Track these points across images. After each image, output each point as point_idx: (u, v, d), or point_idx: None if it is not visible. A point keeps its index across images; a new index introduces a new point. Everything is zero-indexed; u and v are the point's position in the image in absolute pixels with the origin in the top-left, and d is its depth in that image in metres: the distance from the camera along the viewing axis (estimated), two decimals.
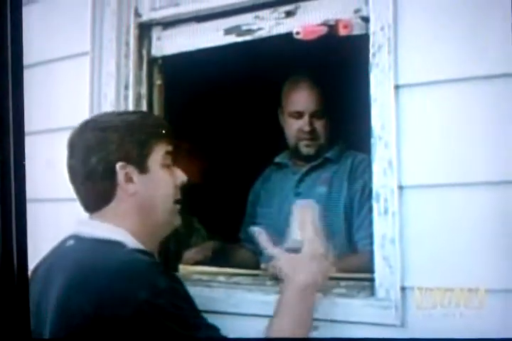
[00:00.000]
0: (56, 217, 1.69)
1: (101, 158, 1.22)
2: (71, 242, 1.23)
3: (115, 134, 1.23)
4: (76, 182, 1.25)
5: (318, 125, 1.77)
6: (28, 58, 1.71)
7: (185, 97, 1.89)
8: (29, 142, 1.68)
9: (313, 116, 1.76)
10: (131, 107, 1.67)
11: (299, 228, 1.23)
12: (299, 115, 1.77)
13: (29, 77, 1.70)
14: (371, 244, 1.34)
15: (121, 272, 1.11)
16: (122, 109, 1.67)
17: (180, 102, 1.78)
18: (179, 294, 1.14)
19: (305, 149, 1.78)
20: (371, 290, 1.33)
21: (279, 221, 1.70)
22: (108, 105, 1.67)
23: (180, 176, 1.29)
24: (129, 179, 1.22)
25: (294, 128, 1.78)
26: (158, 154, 1.26)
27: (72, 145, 1.27)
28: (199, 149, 1.96)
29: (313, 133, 1.76)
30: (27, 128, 1.68)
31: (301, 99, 1.77)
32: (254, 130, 2.16)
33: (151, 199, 1.25)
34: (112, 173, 1.21)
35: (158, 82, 1.71)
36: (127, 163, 1.22)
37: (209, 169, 1.96)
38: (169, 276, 1.16)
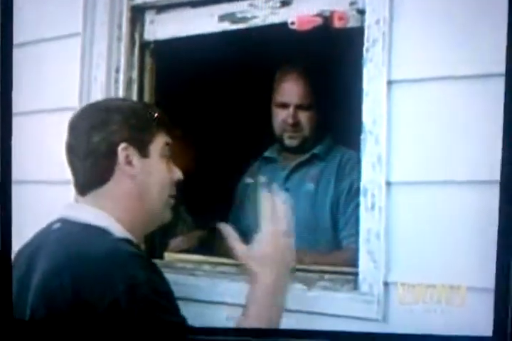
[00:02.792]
0: (42, 199, 1.68)
1: (104, 137, 1.21)
2: (58, 225, 1.23)
3: (120, 116, 1.23)
4: (74, 161, 1.25)
5: (304, 117, 1.74)
6: (18, 37, 1.68)
7: (176, 83, 1.87)
8: (17, 123, 1.67)
9: (298, 108, 1.73)
10: (121, 91, 1.66)
11: (263, 217, 1.20)
12: (284, 106, 1.75)
13: (20, 57, 1.68)
14: (356, 241, 1.34)
15: (103, 260, 1.10)
16: (113, 92, 1.66)
17: (171, 88, 1.76)
18: (157, 289, 1.13)
19: (288, 141, 1.76)
20: (355, 285, 1.35)
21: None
22: (98, 88, 1.66)
23: (177, 172, 1.29)
24: (128, 161, 1.22)
25: (279, 119, 1.75)
26: (159, 143, 1.26)
27: (74, 126, 1.26)
28: (188, 137, 1.95)
29: (297, 126, 1.74)
30: (15, 108, 1.66)
31: (287, 90, 1.75)
32: (245, 118, 2.14)
33: (147, 186, 1.24)
34: (113, 153, 1.21)
35: (149, 66, 1.69)
36: (129, 145, 1.22)
37: (198, 157, 1.96)
38: (150, 269, 1.16)
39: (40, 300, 1.15)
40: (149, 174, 1.24)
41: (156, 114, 1.30)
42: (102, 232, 1.17)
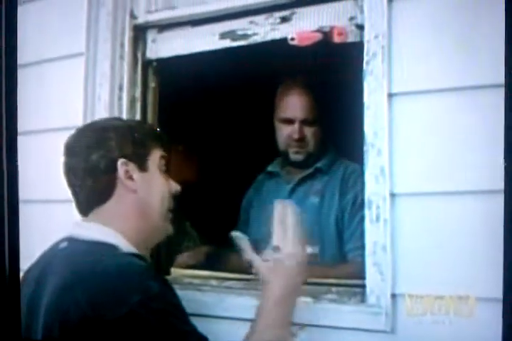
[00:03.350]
0: (48, 218, 1.69)
1: (102, 155, 1.24)
2: (65, 244, 1.24)
3: (115, 133, 1.26)
4: (74, 182, 1.26)
5: (309, 132, 1.76)
6: (22, 58, 1.70)
7: (179, 100, 1.89)
8: (22, 142, 1.68)
9: (303, 123, 1.75)
10: (125, 109, 1.67)
11: (277, 229, 1.21)
12: (289, 122, 1.76)
13: (23, 77, 1.69)
14: (362, 255, 1.34)
15: (116, 274, 1.12)
16: (116, 110, 1.67)
17: (174, 105, 1.78)
18: (170, 300, 1.15)
19: (294, 156, 1.78)
20: (362, 297, 1.34)
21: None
22: (102, 106, 1.68)
23: (174, 186, 1.31)
24: (129, 176, 1.24)
25: (284, 134, 1.77)
26: (156, 157, 1.29)
27: (71, 147, 1.28)
28: (192, 153, 1.96)
29: (302, 141, 1.76)
30: (20, 128, 1.68)
31: (292, 105, 1.77)
32: (248, 134, 2.16)
33: (148, 200, 1.27)
34: (113, 170, 1.24)
35: (152, 84, 1.71)
36: (128, 160, 1.24)
37: (202, 173, 1.97)
38: (161, 281, 1.17)
39: (53, 317, 1.16)
40: (150, 188, 1.26)
41: (150, 129, 1.35)
42: (111, 248, 1.19)
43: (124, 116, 1.67)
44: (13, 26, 1.67)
